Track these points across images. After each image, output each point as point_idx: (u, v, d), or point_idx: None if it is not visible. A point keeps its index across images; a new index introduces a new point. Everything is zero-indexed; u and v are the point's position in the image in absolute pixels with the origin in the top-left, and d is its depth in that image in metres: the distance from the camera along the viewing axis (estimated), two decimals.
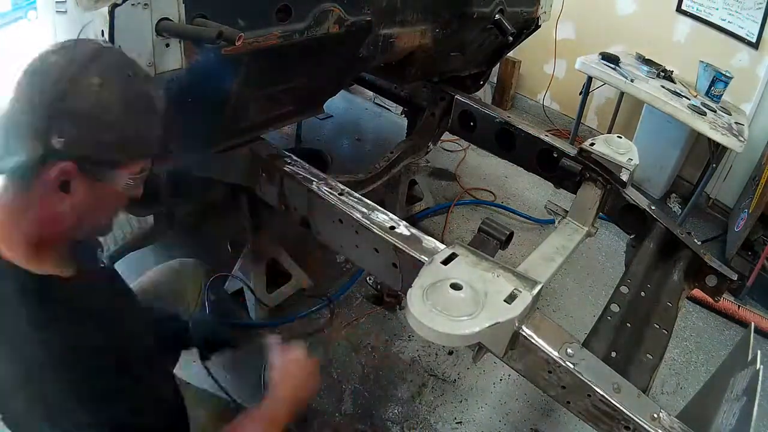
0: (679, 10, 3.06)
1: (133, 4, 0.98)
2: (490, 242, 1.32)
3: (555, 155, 1.81)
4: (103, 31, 1.01)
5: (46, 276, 0.78)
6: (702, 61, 2.90)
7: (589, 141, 1.69)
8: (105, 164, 0.78)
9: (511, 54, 3.38)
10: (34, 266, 0.78)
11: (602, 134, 1.76)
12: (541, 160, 1.88)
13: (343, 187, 1.40)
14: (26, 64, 0.76)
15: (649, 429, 0.92)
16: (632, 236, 1.70)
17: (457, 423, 1.81)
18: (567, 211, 1.75)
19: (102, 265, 0.99)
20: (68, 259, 0.84)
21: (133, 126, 0.80)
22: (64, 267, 0.82)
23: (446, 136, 2.43)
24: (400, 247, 1.20)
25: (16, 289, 0.76)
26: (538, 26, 2.19)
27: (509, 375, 1.98)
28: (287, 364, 1.06)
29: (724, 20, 2.87)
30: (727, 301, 2.43)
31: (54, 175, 0.74)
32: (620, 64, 2.94)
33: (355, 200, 1.35)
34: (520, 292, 1.01)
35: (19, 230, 0.78)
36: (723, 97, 2.85)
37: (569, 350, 1.00)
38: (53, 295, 0.78)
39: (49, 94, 0.72)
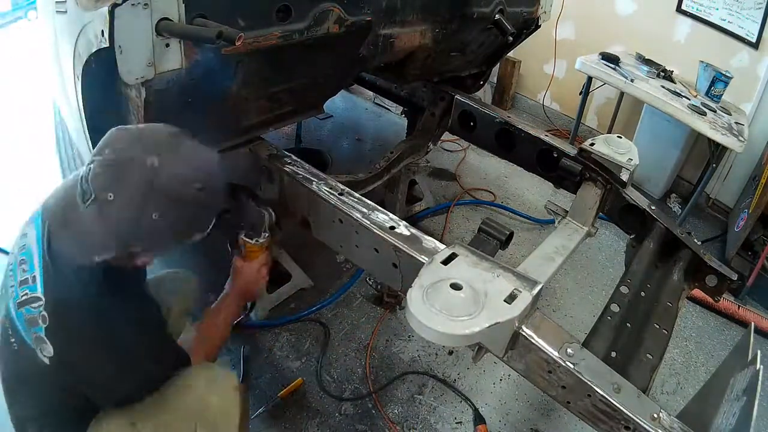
0: (679, 10, 3.06)
1: (133, 4, 0.98)
2: (490, 242, 1.32)
3: (555, 155, 1.81)
4: (103, 31, 1.01)
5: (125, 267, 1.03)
6: (702, 61, 2.90)
7: (589, 141, 1.69)
8: (177, 245, 1.00)
9: (511, 54, 3.39)
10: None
11: (602, 134, 1.76)
12: (541, 160, 1.88)
13: (343, 187, 1.40)
14: (90, 194, 0.90)
15: (649, 429, 0.92)
16: (632, 236, 1.70)
17: (457, 423, 1.81)
18: (567, 211, 1.75)
19: None
20: None
21: (197, 221, 1.00)
22: None
23: (446, 136, 2.43)
24: (400, 247, 1.20)
25: (117, 277, 1.00)
26: (538, 26, 2.19)
27: (509, 375, 1.98)
28: (242, 267, 1.40)
29: (724, 20, 2.87)
30: (727, 301, 2.42)
31: (138, 262, 1.00)
32: (620, 64, 2.94)
33: (355, 200, 1.35)
34: (520, 292, 1.01)
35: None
36: (723, 97, 2.85)
37: (569, 350, 1.00)
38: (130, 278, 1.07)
39: (120, 228, 0.90)
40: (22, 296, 0.99)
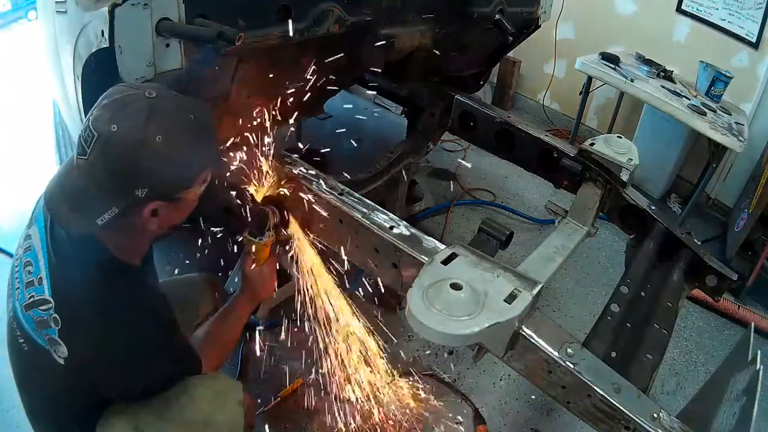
0: (679, 10, 3.06)
1: (133, 4, 0.98)
2: (490, 242, 1.32)
3: (555, 155, 1.81)
4: (103, 31, 1.01)
5: (135, 265, 1.06)
6: (702, 61, 2.90)
7: (589, 141, 1.69)
8: (180, 190, 0.97)
9: (511, 54, 3.39)
10: (132, 261, 1.05)
11: (602, 134, 1.76)
12: (541, 160, 1.88)
13: (343, 187, 1.40)
14: (83, 133, 0.89)
15: (649, 429, 0.92)
16: (632, 236, 1.70)
17: (457, 423, 1.81)
18: (567, 211, 1.75)
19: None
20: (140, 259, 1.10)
21: (198, 155, 0.96)
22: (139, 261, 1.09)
23: (446, 136, 2.43)
24: (400, 247, 1.20)
25: (127, 276, 1.02)
26: (538, 26, 2.19)
27: (509, 375, 1.98)
28: (251, 270, 1.38)
29: (724, 20, 2.87)
30: (727, 301, 2.42)
31: (146, 214, 0.94)
32: (620, 64, 2.93)
33: (355, 200, 1.35)
34: (520, 292, 1.01)
35: (126, 243, 1.02)
36: (723, 97, 2.85)
37: (569, 350, 1.00)
38: (141, 276, 1.08)
39: (124, 161, 0.87)
40: (28, 299, 0.99)
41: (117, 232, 0.98)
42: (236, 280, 2.07)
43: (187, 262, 1.93)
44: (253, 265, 1.38)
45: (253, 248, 1.38)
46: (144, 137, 0.87)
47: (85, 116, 1.21)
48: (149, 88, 0.94)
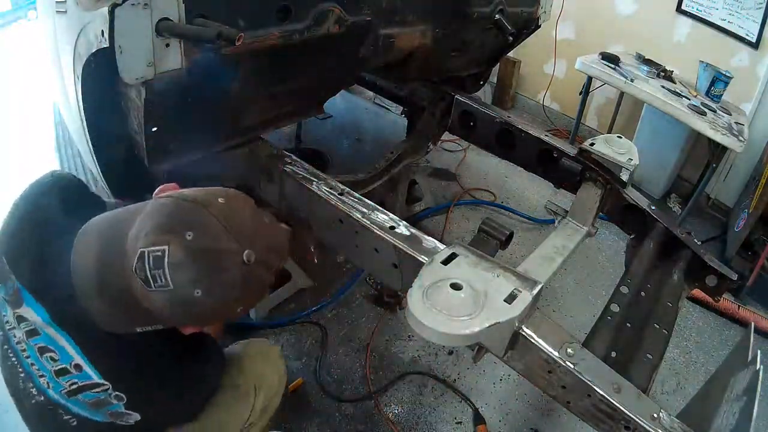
0: (679, 10, 3.06)
1: (133, 4, 0.97)
2: (490, 242, 1.31)
3: (555, 155, 1.81)
4: (102, 31, 1.01)
5: None
6: (702, 61, 2.90)
7: (589, 141, 1.69)
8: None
9: (511, 54, 3.39)
10: None
11: (602, 134, 1.76)
12: (541, 160, 1.88)
13: (343, 187, 1.40)
14: (164, 281, 0.78)
15: (649, 429, 0.92)
16: (632, 236, 1.69)
17: (457, 423, 1.81)
18: (567, 211, 1.75)
19: None
20: None
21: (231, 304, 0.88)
22: None
23: (446, 136, 2.43)
24: (400, 247, 1.20)
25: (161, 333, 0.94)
26: (538, 26, 2.19)
27: (509, 375, 1.98)
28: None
29: (724, 20, 2.88)
30: (727, 301, 2.43)
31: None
32: (620, 64, 2.94)
33: (355, 200, 1.35)
34: (520, 292, 1.01)
35: None
36: (723, 97, 2.85)
37: (569, 350, 1.00)
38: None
39: (187, 315, 0.84)
40: (69, 386, 0.91)
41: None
42: None
43: None
44: None
45: None
46: (228, 307, 0.85)
47: (85, 116, 1.22)
48: (245, 235, 0.82)
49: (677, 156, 3.15)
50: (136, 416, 0.94)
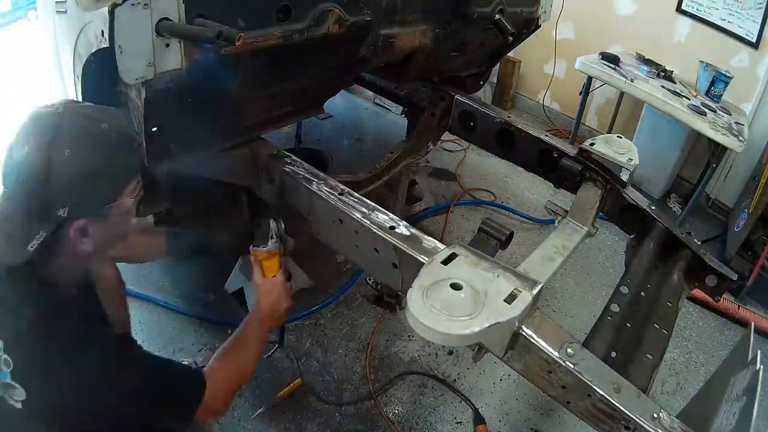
0: (679, 10, 3.06)
1: (133, 4, 0.97)
2: (490, 242, 1.31)
3: (555, 155, 1.81)
4: (102, 31, 1.01)
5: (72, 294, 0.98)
6: (702, 61, 2.90)
7: (589, 141, 1.69)
8: (105, 204, 0.93)
9: (511, 54, 3.39)
10: (69, 290, 0.97)
11: (602, 134, 1.76)
12: (541, 160, 1.88)
13: (343, 187, 1.40)
14: (4, 161, 0.88)
15: (649, 429, 0.92)
16: (632, 236, 1.69)
17: (457, 423, 1.81)
18: (567, 211, 1.75)
19: None
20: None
21: (115, 163, 0.93)
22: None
23: (446, 136, 2.43)
24: (400, 247, 1.20)
25: (70, 305, 0.96)
26: (538, 26, 2.19)
27: (509, 375, 1.98)
28: (262, 283, 1.33)
29: (724, 20, 2.88)
30: (727, 301, 2.43)
31: (72, 234, 0.90)
32: (620, 64, 2.94)
33: (355, 200, 1.35)
34: (520, 292, 1.01)
35: (63, 269, 0.95)
36: (723, 97, 2.86)
37: (569, 350, 1.00)
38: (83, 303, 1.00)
39: (35, 182, 0.85)
40: None
41: (51, 259, 0.92)
42: (237, 280, 2.07)
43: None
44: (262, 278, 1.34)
45: (261, 259, 1.36)
46: (50, 153, 0.85)
47: None
48: (61, 104, 0.92)
49: (677, 156, 3.15)
50: (21, 392, 0.89)
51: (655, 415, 0.93)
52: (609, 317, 1.26)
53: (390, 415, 1.80)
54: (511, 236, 1.34)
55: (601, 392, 0.96)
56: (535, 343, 1.01)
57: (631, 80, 2.77)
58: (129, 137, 0.99)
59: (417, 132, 2.31)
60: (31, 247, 0.87)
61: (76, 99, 1.07)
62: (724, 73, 2.79)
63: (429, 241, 1.21)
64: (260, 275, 1.35)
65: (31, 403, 0.90)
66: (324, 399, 1.82)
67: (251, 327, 1.27)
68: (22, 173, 0.86)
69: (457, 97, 2.14)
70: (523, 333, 1.02)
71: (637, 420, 0.93)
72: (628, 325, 1.26)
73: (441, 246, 1.18)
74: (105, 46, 1.01)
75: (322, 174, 1.46)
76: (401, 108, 2.85)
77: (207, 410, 1.06)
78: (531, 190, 3.13)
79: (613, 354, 1.16)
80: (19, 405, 0.90)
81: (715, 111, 2.65)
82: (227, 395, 1.14)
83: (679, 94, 2.71)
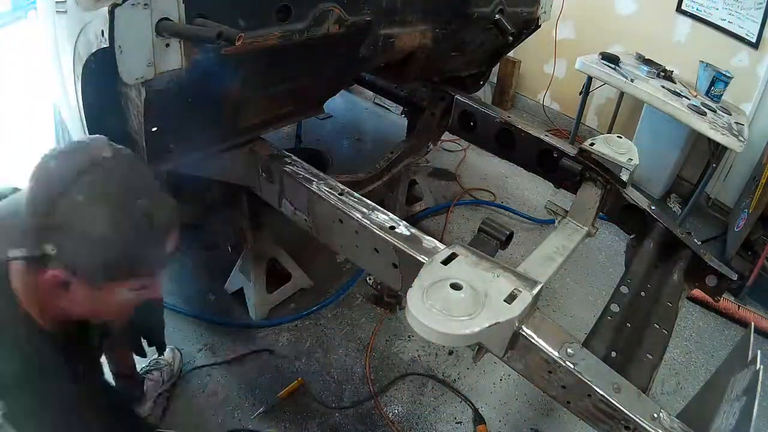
0: (679, 10, 3.06)
1: (133, 4, 0.97)
2: (490, 242, 1.31)
3: (555, 155, 1.81)
4: (102, 31, 1.01)
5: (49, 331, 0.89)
6: (702, 61, 2.90)
7: (589, 141, 1.69)
8: (100, 277, 0.83)
9: (511, 54, 3.39)
10: (44, 323, 0.88)
11: (602, 134, 1.76)
12: (541, 160, 1.88)
13: (343, 187, 1.40)
14: (37, 163, 0.82)
15: (649, 429, 0.92)
16: (632, 236, 1.69)
17: (457, 423, 1.81)
18: (567, 211, 1.75)
19: None
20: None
21: (125, 246, 0.82)
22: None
23: (446, 136, 2.43)
24: (400, 247, 1.20)
25: (29, 336, 0.86)
26: (538, 26, 2.19)
27: (509, 375, 1.98)
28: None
29: (724, 20, 2.87)
30: (727, 301, 2.43)
31: (50, 277, 0.80)
32: (620, 64, 2.94)
33: (355, 200, 1.35)
34: (520, 292, 1.01)
35: (36, 299, 0.87)
36: (723, 97, 2.85)
37: (569, 350, 1.00)
38: (58, 345, 0.89)
39: (42, 204, 0.78)
40: None
41: (25, 285, 0.86)
42: (237, 280, 2.07)
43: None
44: None
45: None
46: (67, 188, 0.78)
47: (85, 116, 1.22)
48: (119, 150, 0.84)
49: (677, 156, 3.15)
50: None
51: (655, 415, 0.93)
52: (609, 317, 1.26)
53: (390, 415, 1.80)
54: (511, 236, 1.34)
55: (601, 392, 0.96)
56: (535, 343, 1.01)
57: (631, 80, 2.77)
58: (160, 229, 0.86)
59: (417, 132, 2.32)
60: (10, 254, 0.79)
61: (140, 156, 0.97)
62: (724, 73, 2.79)
63: (429, 241, 1.21)
64: None
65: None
66: (324, 399, 1.82)
67: None
68: (37, 188, 0.80)
69: (457, 97, 2.14)
70: (523, 333, 1.02)
71: (637, 420, 0.93)
72: (628, 325, 1.27)
73: (441, 246, 1.18)
74: (105, 46, 1.01)
75: (322, 174, 1.46)
76: (401, 108, 2.85)
77: None
78: (531, 190, 3.13)
79: (613, 354, 1.16)
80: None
81: (715, 111, 2.65)
82: None
83: (679, 94, 2.71)
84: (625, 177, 1.60)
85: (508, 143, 1.98)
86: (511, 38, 1.98)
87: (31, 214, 0.79)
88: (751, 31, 2.78)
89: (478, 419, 1.80)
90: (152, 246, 0.86)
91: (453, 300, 0.95)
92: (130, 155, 0.88)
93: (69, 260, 0.79)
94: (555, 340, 1.01)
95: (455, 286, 0.97)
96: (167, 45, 1.07)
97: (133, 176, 0.85)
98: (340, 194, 1.37)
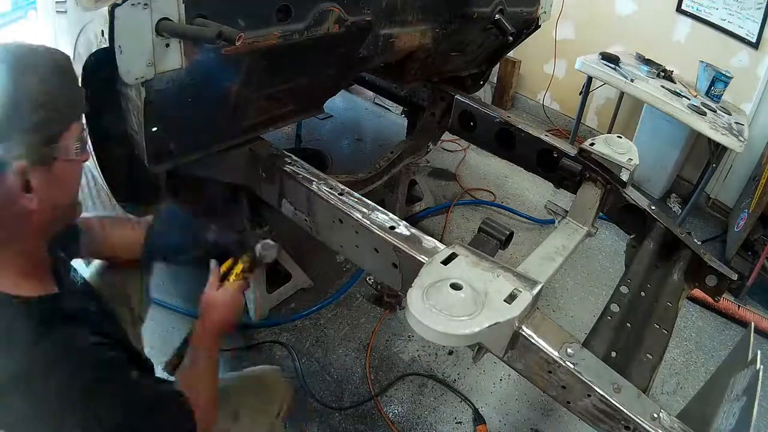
0: (679, 10, 3.06)
1: (133, 4, 0.97)
2: (490, 242, 1.31)
3: (555, 155, 1.81)
4: (103, 31, 1.01)
5: (36, 297, 0.80)
6: (702, 61, 2.90)
7: (589, 141, 1.69)
8: (48, 143, 0.79)
9: (511, 54, 3.39)
10: (24, 291, 0.79)
11: (602, 134, 1.76)
12: (541, 160, 1.88)
13: (343, 187, 1.40)
14: None
15: (649, 429, 0.92)
16: (632, 236, 1.70)
17: (457, 423, 1.81)
18: (567, 211, 1.75)
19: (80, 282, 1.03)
20: (51, 279, 0.87)
21: (54, 95, 0.79)
22: (49, 287, 0.85)
23: (446, 136, 2.43)
24: (400, 247, 1.20)
25: (13, 315, 0.77)
26: (538, 26, 2.19)
27: (509, 375, 1.98)
28: (214, 295, 1.18)
29: (724, 20, 2.88)
30: (727, 301, 2.43)
31: (12, 180, 0.75)
32: (620, 64, 2.94)
33: (355, 200, 1.35)
34: (520, 292, 1.01)
35: (4, 258, 0.80)
36: (723, 97, 2.85)
37: (569, 350, 1.00)
38: (49, 313, 0.80)
39: None
40: None
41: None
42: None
43: None
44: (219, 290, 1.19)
45: (229, 268, 1.25)
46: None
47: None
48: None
49: (677, 156, 3.15)
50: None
51: (655, 415, 0.93)
52: (609, 317, 1.26)
53: (390, 416, 1.80)
54: (511, 236, 1.34)
55: (601, 392, 0.96)
56: (535, 343, 1.01)
57: (631, 80, 2.77)
58: (71, 67, 0.86)
59: (417, 132, 2.32)
60: None
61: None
62: (724, 73, 2.79)
63: (429, 241, 1.21)
64: (216, 285, 1.20)
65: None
66: (324, 399, 1.82)
67: (210, 342, 1.13)
68: None
69: (457, 97, 2.14)
70: (523, 333, 1.02)
71: (637, 420, 0.93)
72: (628, 325, 1.27)
73: (441, 246, 1.18)
74: (105, 46, 1.01)
75: (322, 174, 1.46)
76: (401, 108, 2.86)
77: None
78: (531, 190, 3.13)
79: (613, 354, 1.16)
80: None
81: (715, 111, 2.65)
82: (211, 412, 1.04)
83: (679, 94, 2.71)
84: (625, 177, 1.60)
85: (508, 143, 1.98)
86: (511, 38, 1.98)
87: None
88: (751, 31, 2.78)
89: (478, 419, 1.80)
90: (72, 87, 0.86)
91: (453, 300, 0.95)
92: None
93: (17, 146, 0.75)
94: (555, 340, 1.01)
95: (455, 286, 0.97)
96: (167, 45, 1.07)
97: (28, 45, 0.82)
98: (340, 194, 1.37)
